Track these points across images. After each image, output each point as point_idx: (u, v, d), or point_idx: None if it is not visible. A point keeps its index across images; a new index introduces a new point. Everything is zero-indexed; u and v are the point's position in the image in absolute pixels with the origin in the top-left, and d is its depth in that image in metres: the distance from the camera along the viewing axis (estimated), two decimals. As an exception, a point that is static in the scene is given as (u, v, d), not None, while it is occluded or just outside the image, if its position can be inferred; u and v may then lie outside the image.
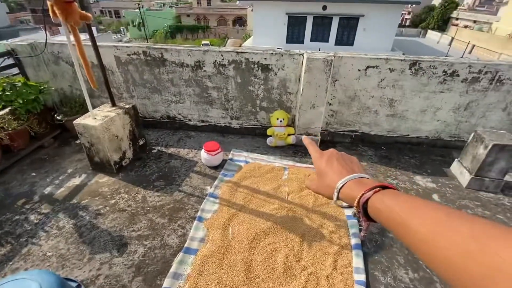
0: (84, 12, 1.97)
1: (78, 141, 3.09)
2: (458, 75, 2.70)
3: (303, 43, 16.52)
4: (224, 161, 2.81)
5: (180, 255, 1.80)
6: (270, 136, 3.07)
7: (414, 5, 20.13)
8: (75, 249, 1.86)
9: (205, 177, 2.61)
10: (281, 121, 2.97)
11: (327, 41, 16.58)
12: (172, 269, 1.70)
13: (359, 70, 2.76)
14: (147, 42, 26.35)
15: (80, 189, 2.40)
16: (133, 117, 2.71)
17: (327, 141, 3.23)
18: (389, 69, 2.73)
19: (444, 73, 2.70)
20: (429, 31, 28.69)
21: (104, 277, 1.68)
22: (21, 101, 2.64)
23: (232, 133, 3.36)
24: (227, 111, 3.22)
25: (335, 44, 16.47)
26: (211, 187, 2.44)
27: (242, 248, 1.86)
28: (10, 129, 2.59)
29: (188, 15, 34.49)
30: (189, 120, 3.37)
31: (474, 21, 26.72)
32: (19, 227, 2.02)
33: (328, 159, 0.54)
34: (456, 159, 2.73)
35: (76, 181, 2.51)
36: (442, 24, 29.12)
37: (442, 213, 0.33)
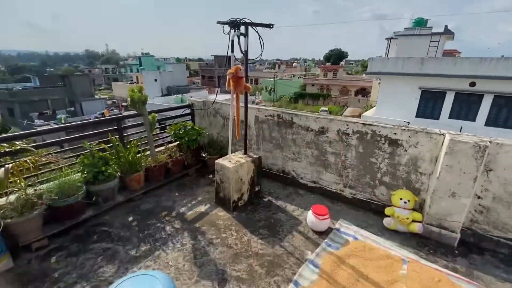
0: (247, 84, 2.61)
1: (211, 176, 3.78)
2: None
3: (438, 119, 14.52)
4: (330, 229, 2.67)
5: (271, 315, 1.73)
6: (389, 216, 2.71)
7: None
8: (188, 267, 2.16)
9: (308, 240, 2.53)
10: (405, 202, 2.60)
11: (473, 120, 13.91)
12: (260, 326, 1.66)
13: (531, 163, 2.15)
14: (273, 105, 30.63)
15: (203, 216, 2.86)
16: (256, 166, 3.11)
17: (471, 243, 2.50)
18: None
19: None
20: None
21: (203, 304, 1.82)
22: (187, 139, 3.60)
23: (343, 202, 3.19)
24: (341, 177, 3.16)
25: (486, 125, 13.53)
26: (312, 253, 2.33)
27: (338, 339, 1.60)
28: (174, 157, 3.52)
29: (313, 85, 38.18)
30: (301, 178, 3.50)
31: None
32: (158, 233, 2.57)
33: None
34: None
35: (202, 208, 3.01)
36: None
37: None
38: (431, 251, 2.41)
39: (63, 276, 2.04)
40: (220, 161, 2.94)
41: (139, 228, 2.64)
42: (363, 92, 34.88)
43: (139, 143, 3.22)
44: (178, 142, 3.72)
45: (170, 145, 3.70)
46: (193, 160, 3.77)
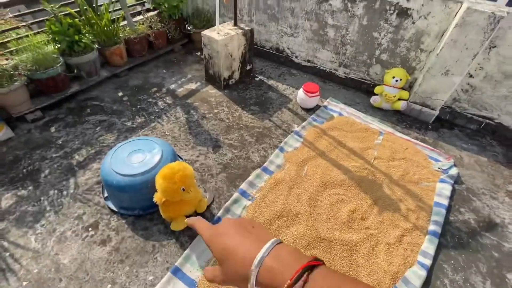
0: None
1: (198, 53, 3.53)
2: None
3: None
4: (317, 107, 2.77)
5: (258, 171, 2.04)
6: (377, 95, 2.77)
7: None
8: (184, 136, 2.34)
9: (296, 116, 2.67)
10: (397, 80, 2.60)
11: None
12: (249, 178, 1.98)
13: (540, 39, 2.01)
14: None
15: (194, 93, 2.85)
16: (248, 41, 2.84)
17: (446, 120, 2.71)
18: None
19: None
20: None
21: (200, 164, 2.10)
22: (166, 6, 3.09)
23: (335, 81, 3.17)
24: (338, 55, 2.99)
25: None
26: (298, 126, 2.51)
27: (312, 186, 1.96)
28: (155, 29, 3.13)
29: None
30: (296, 57, 3.31)
31: None
32: (150, 108, 2.63)
33: (225, 231, 0.41)
34: None
35: (193, 86, 2.96)
36: None
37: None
38: (407, 126, 2.62)
39: (67, 143, 2.21)
40: (207, 32, 2.65)
41: (131, 103, 2.67)
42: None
43: (111, 10, 2.76)
44: (157, 10, 3.22)
45: (149, 13, 3.20)
46: (178, 33, 3.38)
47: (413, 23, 2.41)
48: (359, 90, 3.04)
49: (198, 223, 0.46)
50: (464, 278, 1.56)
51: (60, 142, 2.20)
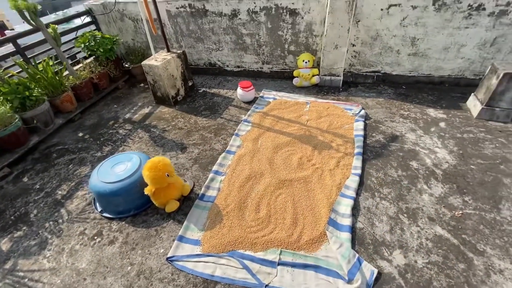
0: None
1: (142, 84, 3.91)
2: (484, 9, 2.73)
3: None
4: (256, 98, 3.37)
5: (223, 154, 2.50)
6: (296, 77, 3.50)
7: None
8: (152, 149, 2.69)
9: (241, 109, 3.22)
10: (306, 62, 3.36)
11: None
12: (218, 161, 2.43)
13: (382, 10, 2.95)
14: None
15: (149, 115, 3.22)
16: (183, 61, 3.36)
17: (350, 82, 3.55)
18: (412, 6, 2.86)
19: (469, 7, 2.75)
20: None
21: (174, 164, 2.47)
22: (102, 50, 3.44)
23: (264, 77, 3.85)
24: (259, 56, 3.69)
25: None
26: (245, 116, 3.06)
27: (268, 152, 2.49)
28: (97, 72, 3.45)
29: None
30: (227, 66, 3.92)
31: None
32: (114, 137, 2.92)
33: None
34: (472, 94, 2.89)
35: (146, 110, 3.33)
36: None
37: None
38: (325, 93, 3.38)
39: (45, 185, 2.38)
40: (146, 62, 3.08)
41: (94, 138, 2.92)
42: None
43: (52, 63, 3.02)
44: (94, 56, 3.54)
45: (87, 60, 3.50)
46: (118, 72, 3.73)
47: (302, 18, 3.22)
48: (283, 78, 3.76)
49: None
50: (383, 173, 2.23)
51: (38, 186, 2.36)
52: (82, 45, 3.39)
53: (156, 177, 1.85)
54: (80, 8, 3.81)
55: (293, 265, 1.65)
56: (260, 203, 2.04)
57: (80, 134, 3.00)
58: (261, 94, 3.44)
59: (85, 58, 3.56)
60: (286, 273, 1.61)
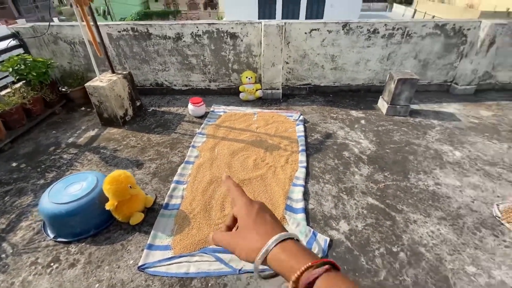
0: (89, -6, 2.60)
1: (83, 108, 3.73)
2: (378, 32, 3.58)
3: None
4: (207, 113, 3.58)
5: (183, 165, 2.61)
6: (242, 92, 3.86)
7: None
8: (105, 169, 2.61)
9: (194, 124, 3.38)
10: (249, 78, 3.76)
11: (298, 18, 17.17)
12: (178, 171, 2.52)
13: (305, 33, 3.58)
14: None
15: (96, 138, 3.11)
16: (129, 82, 3.39)
17: (288, 94, 4.07)
18: (328, 30, 3.56)
19: (368, 31, 3.58)
20: (395, 4, 29.78)
21: (132, 180, 2.46)
22: (34, 74, 3.23)
23: (212, 94, 4.11)
24: (205, 75, 3.95)
25: (306, 19, 17.05)
26: (199, 129, 3.23)
27: (225, 158, 2.70)
28: (29, 96, 3.20)
29: (156, 0, 33.33)
30: (175, 85, 4.07)
31: (436, -7, 28.04)
32: (57, 162, 2.73)
33: (259, 209, 0.44)
34: (381, 96, 3.67)
35: (92, 133, 3.20)
36: (409, -3, 30.30)
37: None
38: (269, 105, 3.81)
39: (-25, 222, 2.09)
40: (91, 83, 3.03)
41: (32, 167, 2.67)
42: (212, 4, 33.90)
43: (-28, 89, 2.71)
44: (24, 80, 3.28)
45: (16, 85, 3.21)
46: (54, 96, 3.51)
47: (242, 40, 3.64)
48: (230, 94, 4.08)
49: (237, 189, 0.49)
50: (324, 163, 2.65)
51: (-34, 225, 2.06)
52: (10, 69, 3.13)
53: (119, 190, 1.86)
54: (3, 30, 3.52)
55: (261, 249, 1.85)
56: (224, 202, 2.21)
57: (14, 164, 2.71)
58: (211, 109, 3.67)
59: (14, 82, 3.27)
60: (256, 256, 1.80)
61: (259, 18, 17.11)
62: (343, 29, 3.55)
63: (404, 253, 1.82)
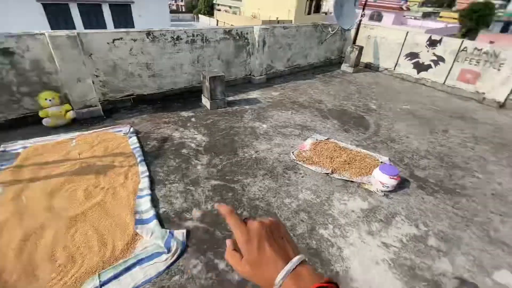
0: None
1: None
2: (181, 39, 3.97)
3: (76, 33, 14.46)
4: (-6, 156, 2.65)
5: (-35, 235, 1.83)
6: (46, 118, 3.13)
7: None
8: None
9: (-27, 176, 2.40)
10: (51, 100, 3.10)
11: (105, 27, 15.59)
12: (-42, 246, 1.74)
13: (108, 43, 3.37)
14: None
15: None
16: None
17: (111, 109, 3.73)
18: (132, 39, 3.53)
19: (172, 38, 3.87)
20: (200, 16, 33.45)
21: None
22: None
23: (-4, 130, 3.05)
24: (-26, 107, 2.86)
25: (115, 28, 15.77)
26: (-16, 180, 2.34)
27: (41, 202, 2.15)
28: None
29: None
30: None
31: (230, 7, 34.02)
32: None
33: (258, 243, 0.46)
34: (202, 95, 4.14)
35: None
36: (210, 10, 34.82)
37: None
38: (89, 125, 3.33)
39: None
40: None
41: None
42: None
43: None
44: None
45: None
46: None
47: (23, 57, 2.90)
48: (28, 124, 3.20)
49: (232, 218, 0.49)
50: (166, 166, 2.71)
51: None
52: None
53: None
54: None
55: (116, 276, 1.69)
56: (54, 252, 1.80)
57: None
58: (1, 149, 2.74)
59: None
60: (114, 286, 1.63)
61: (52, 29, 14.00)
62: (147, 37, 3.65)
63: (246, 210, 2.25)
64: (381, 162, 2.97)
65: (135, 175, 2.53)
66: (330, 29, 6.14)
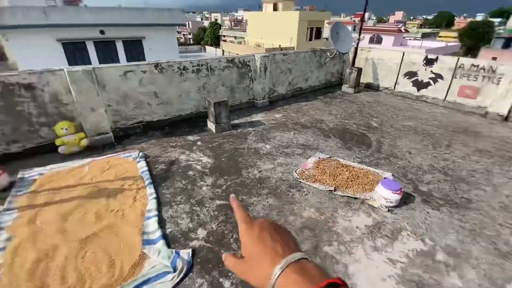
0: None
1: None
2: (188, 69, 4.26)
3: (91, 68, 15.48)
4: (13, 183, 2.81)
5: (-17, 257, 1.93)
6: (61, 145, 3.34)
7: (191, 26, 24.15)
8: None
9: (-8, 202, 2.55)
10: (66, 129, 3.33)
11: (119, 62, 16.61)
12: (-24, 269, 1.83)
13: (120, 75, 3.66)
14: None
15: None
16: None
17: (122, 136, 3.93)
18: (142, 71, 3.82)
19: (179, 69, 4.16)
20: (207, 47, 35.38)
21: None
22: None
23: (15, 159, 3.25)
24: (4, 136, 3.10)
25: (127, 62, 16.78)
26: (3, 205, 2.48)
27: (55, 225, 2.25)
28: None
29: None
30: None
31: (235, 37, 35.99)
32: None
33: (260, 233, 0.43)
34: (207, 119, 4.33)
35: None
36: (216, 41, 36.89)
37: None
38: (101, 152, 3.52)
39: None
40: None
41: None
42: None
43: None
44: None
45: None
46: None
47: (43, 90, 3.19)
48: (45, 152, 3.40)
49: (239, 210, 0.48)
50: (173, 188, 2.81)
51: None
52: None
53: None
54: None
55: (124, 296, 1.72)
56: (65, 273, 1.86)
57: None
58: (19, 176, 2.91)
59: None
60: (120, 306, 1.66)
61: (69, 65, 15.06)
62: (156, 69, 3.94)
63: (250, 229, 2.28)
64: (384, 177, 2.99)
65: (144, 197, 2.63)
66: (328, 54, 6.43)
